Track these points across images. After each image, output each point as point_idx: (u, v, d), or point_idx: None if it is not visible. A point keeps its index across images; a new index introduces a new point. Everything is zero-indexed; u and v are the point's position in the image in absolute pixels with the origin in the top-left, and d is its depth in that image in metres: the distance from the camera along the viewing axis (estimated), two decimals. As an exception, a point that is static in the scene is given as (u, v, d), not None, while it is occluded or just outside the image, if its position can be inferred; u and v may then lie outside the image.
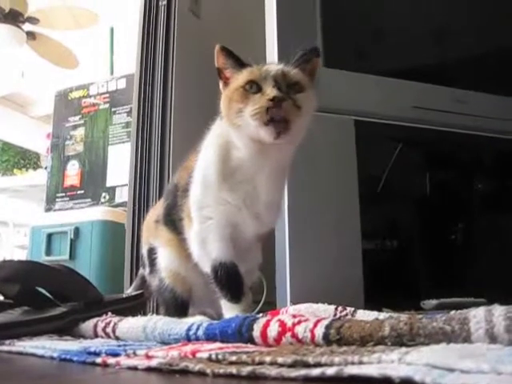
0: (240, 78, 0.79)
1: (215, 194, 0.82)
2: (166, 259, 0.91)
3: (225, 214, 0.82)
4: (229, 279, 0.82)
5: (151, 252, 0.95)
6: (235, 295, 0.82)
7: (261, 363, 0.43)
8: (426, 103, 1.32)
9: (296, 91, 0.77)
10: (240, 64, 0.81)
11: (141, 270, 1.09)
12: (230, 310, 0.81)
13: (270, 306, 1.10)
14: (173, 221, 0.91)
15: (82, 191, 2.30)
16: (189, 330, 0.60)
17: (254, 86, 0.77)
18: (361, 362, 0.39)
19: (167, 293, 0.90)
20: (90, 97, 2.40)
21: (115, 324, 0.70)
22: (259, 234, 0.88)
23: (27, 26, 3.58)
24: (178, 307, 0.89)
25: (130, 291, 1.08)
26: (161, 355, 0.50)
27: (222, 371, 0.43)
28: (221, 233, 0.83)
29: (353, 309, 0.79)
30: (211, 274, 0.83)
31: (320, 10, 1.24)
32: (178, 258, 0.90)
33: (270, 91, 0.75)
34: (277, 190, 0.84)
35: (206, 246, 0.83)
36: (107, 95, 2.36)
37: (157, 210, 1.00)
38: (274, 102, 0.73)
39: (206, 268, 0.84)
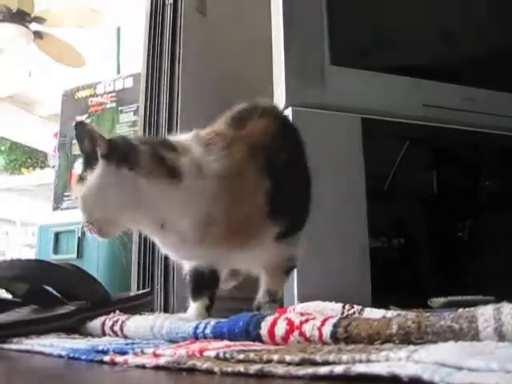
0: None
1: None
2: None
3: None
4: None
5: None
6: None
7: (268, 361, 0.43)
8: (436, 101, 1.32)
9: None
10: None
11: None
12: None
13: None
14: None
15: (90, 190, 2.30)
16: (196, 328, 0.60)
17: None
18: (368, 360, 0.39)
19: None
20: (97, 96, 2.40)
21: (123, 322, 0.70)
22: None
23: (34, 26, 3.60)
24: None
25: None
26: (168, 354, 0.50)
27: (229, 369, 0.43)
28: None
29: (360, 307, 0.79)
30: None
31: (327, 6, 1.23)
32: None
33: None
34: None
35: None
36: (114, 94, 2.36)
37: None
38: None
39: None
